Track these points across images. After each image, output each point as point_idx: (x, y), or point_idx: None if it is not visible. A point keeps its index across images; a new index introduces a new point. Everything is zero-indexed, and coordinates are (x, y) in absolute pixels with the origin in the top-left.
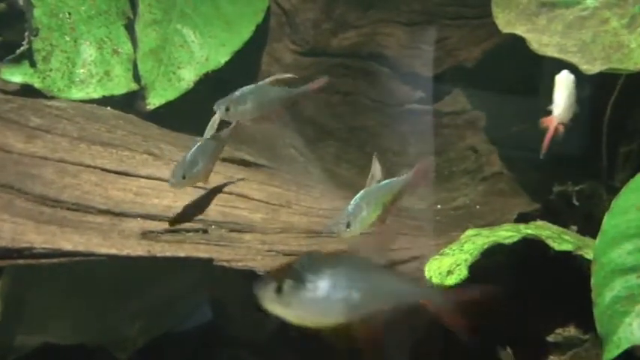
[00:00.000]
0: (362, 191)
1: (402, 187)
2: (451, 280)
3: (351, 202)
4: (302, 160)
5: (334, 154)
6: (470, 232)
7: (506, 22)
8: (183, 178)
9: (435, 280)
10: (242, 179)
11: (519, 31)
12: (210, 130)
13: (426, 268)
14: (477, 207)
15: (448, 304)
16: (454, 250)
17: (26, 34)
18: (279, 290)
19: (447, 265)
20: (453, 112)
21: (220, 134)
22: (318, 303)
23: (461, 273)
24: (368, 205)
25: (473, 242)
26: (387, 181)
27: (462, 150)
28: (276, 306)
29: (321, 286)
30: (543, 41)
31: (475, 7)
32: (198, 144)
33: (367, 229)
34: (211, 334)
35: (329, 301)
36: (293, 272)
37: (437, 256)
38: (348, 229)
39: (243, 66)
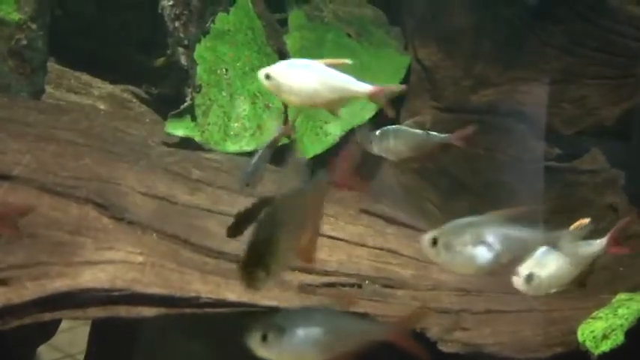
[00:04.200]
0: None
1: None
2: (606, 345)
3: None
4: (438, 214)
5: (469, 208)
6: (622, 296)
7: None
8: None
9: (589, 344)
10: None
11: None
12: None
13: (579, 332)
14: (621, 269)
15: (404, 332)
16: (607, 314)
17: (189, 89)
18: (264, 339)
19: (601, 329)
20: (592, 170)
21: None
22: (297, 348)
23: (617, 338)
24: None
25: (627, 307)
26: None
27: (601, 208)
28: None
29: (299, 333)
30: None
31: (617, 67)
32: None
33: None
34: None
35: (305, 345)
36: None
37: (589, 320)
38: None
39: (380, 119)
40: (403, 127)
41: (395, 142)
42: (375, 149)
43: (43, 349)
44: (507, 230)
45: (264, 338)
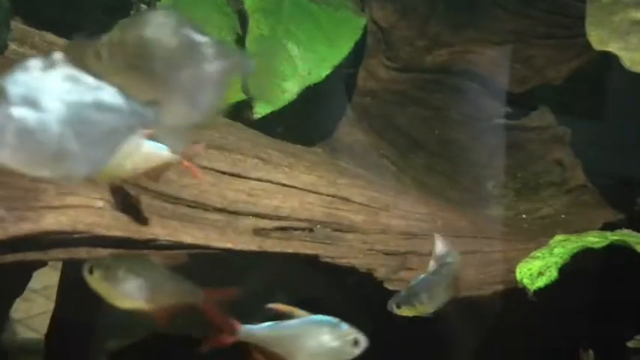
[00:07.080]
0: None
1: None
2: (541, 282)
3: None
4: (394, 170)
5: (425, 165)
6: (558, 237)
7: (600, 40)
8: None
9: (526, 282)
10: None
11: (612, 48)
12: None
13: (517, 270)
14: (562, 216)
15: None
16: (544, 254)
17: None
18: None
19: (538, 268)
20: (539, 127)
21: None
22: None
23: (551, 275)
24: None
25: (562, 246)
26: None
27: (548, 164)
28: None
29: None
30: (636, 59)
31: (564, 27)
32: None
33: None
34: None
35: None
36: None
37: (527, 259)
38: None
39: (340, 80)
40: None
41: None
42: None
43: (21, 330)
44: None
45: (91, 271)
